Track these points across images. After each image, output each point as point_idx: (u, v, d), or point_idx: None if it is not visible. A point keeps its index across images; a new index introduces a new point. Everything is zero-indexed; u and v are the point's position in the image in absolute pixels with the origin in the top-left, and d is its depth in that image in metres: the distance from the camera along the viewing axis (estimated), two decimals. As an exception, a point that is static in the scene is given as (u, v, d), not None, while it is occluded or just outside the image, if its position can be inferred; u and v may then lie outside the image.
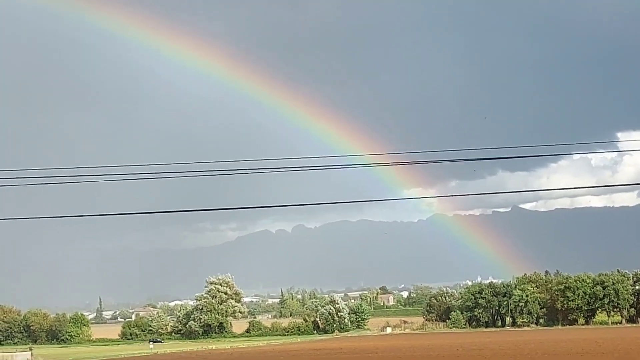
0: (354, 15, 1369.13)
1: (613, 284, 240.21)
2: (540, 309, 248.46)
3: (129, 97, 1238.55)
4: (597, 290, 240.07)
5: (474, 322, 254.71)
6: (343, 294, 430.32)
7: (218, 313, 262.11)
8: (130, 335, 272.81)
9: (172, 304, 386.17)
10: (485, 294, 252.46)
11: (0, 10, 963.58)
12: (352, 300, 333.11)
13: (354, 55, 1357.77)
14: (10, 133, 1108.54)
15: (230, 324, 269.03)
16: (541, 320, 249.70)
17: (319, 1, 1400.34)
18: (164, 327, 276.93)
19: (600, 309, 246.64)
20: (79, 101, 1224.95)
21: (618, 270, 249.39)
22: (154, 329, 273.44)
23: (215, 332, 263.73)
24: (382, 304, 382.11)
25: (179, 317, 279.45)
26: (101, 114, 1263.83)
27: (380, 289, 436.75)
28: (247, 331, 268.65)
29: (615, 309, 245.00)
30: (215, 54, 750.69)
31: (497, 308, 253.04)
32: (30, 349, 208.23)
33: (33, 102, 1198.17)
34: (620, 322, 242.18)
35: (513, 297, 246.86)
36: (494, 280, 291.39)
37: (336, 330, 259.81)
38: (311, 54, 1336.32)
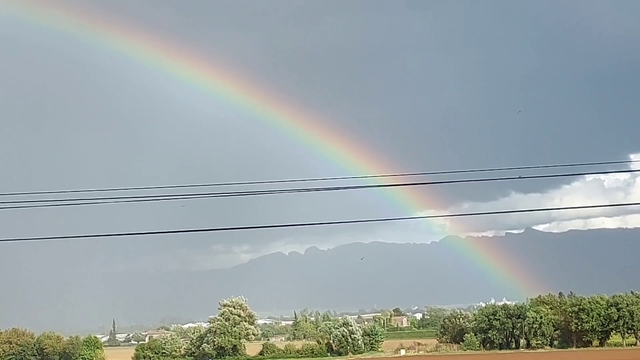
0: (366, 37, 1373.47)
1: (627, 305, 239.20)
2: (555, 330, 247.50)
3: (144, 120, 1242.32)
4: (611, 312, 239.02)
5: (488, 344, 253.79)
6: (356, 316, 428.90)
7: (231, 335, 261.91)
8: (144, 357, 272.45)
9: (185, 326, 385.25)
10: (499, 315, 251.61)
11: (18, 33, 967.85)
12: (366, 322, 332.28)
13: (367, 77, 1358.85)
14: (28, 154, 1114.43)
15: (244, 347, 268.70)
16: (555, 342, 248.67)
17: (333, 23, 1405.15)
18: (178, 350, 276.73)
19: (614, 331, 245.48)
20: (95, 123, 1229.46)
21: (632, 292, 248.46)
22: (167, 352, 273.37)
23: (229, 355, 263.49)
24: (395, 326, 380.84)
25: (193, 339, 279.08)
26: (116, 136, 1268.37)
27: (393, 311, 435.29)
28: (261, 353, 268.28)
29: (629, 331, 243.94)
30: (230, 76, 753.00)
31: (511, 330, 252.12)
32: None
33: (50, 125, 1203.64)
34: (635, 344, 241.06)
35: (527, 318, 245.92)
36: (508, 302, 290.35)
37: (350, 353, 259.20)
38: (325, 75, 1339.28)
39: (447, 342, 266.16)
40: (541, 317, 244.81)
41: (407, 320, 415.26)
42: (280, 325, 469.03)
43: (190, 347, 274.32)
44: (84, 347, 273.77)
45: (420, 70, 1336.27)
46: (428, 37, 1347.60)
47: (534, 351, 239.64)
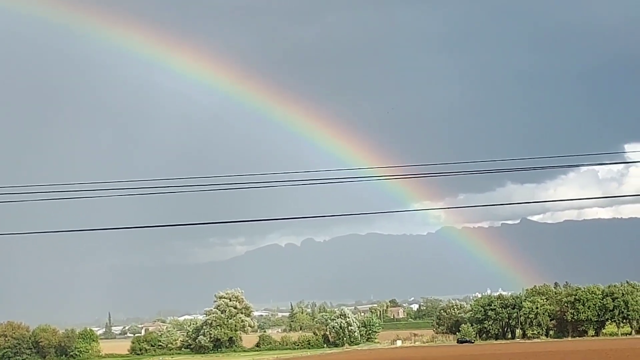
0: (363, 33, 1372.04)
1: (623, 295, 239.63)
2: (550, 320, 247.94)
3: (139, 113, 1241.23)
4: (606, 302, 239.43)
5: (484, 334, 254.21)
6: (353, 307, 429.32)
7: (228, 327, 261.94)
8: (140, 350, 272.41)
9: (181, 318, 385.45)
10: (494, 306, 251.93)
11: (10, 27, 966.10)
12: (362, 314, 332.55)
13: (364, 72, 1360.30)
14: (23, 149, 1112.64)
15: (240, 338, 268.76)
16: (551, 332, 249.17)
17: (330, 19, 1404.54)
18: (174, 342, 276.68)
19: (610, 321, 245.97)
20: (90, 117, 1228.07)
21: (627, 282, 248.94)
22: (163, 344, 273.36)
23: (225, 347, 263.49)
24: (392, 317, 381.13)
25: (189, 331, 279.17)
26: (111, 129, 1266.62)
27: (390, 302, 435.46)
28: (257, 345, 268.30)
29: (624, 320, 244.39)
30: (228, 70, 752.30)
31: (507, 320, 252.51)
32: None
33: (44, 119, 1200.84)
34: (630, 333, 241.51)
35: (523, 309, 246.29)
36: (504, 293, 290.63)
37: (346, 344, 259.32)
38: (321, 70, 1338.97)
39: (443, 333, 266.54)
40: (537, 308, 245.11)
41: (404, 311, 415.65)
42: (276, 317, 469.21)
43: (187, 339, 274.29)
44: (79, 339, 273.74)
45: (417, 65, 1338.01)
46: (425, 34, 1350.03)
47: (530, 341, 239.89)
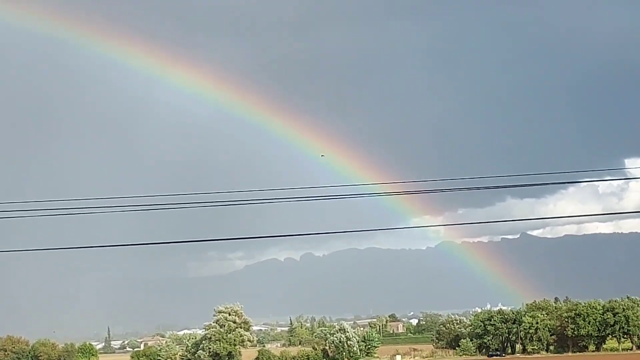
0: (358, 46, 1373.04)
1: (623, 310, 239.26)
2: (551, 335, 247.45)
3: (136, 126, 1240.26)
4: (607, 317, 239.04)
5: (484, 349, 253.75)
6: (352, 322, 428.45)
7: (227, 342, 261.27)
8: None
9: (180, 333, 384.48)
10: (494, 321, 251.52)
11: (8, 38, 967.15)
12: (362, 328, 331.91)
13: (361, 85, 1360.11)
14: (21, 162, 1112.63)
15: (240, 353, 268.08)
16: (551, 347, 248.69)
17: (326, 32, 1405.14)
18: (173, 357, 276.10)
19: (610, 336, 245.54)
20: (87, 130, 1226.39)
21: (628, 297, 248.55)
22: (162, 358, 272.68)
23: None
24: (391, 332, 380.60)
25: (188, 346, 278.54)
26: (109, 142, 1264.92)
27: (389, 316, 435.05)
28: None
29: (625, 336, 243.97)
30: (224, 83, 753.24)
31: (507, 335, 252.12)
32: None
33: (42, 133, 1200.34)
34: (631, 349, 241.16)
35: (523, 324, 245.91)
36: (504, 308, 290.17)
37: (346, 359, 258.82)
38: (318, 83, 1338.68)
39: (443, 348, 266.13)
40: (537, 323, 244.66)
41: (403, 326, 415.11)
42: (275, 331, 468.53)
43: (186, 353, 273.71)
44: (79, 354, 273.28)
45: (413, 79, 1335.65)
46: (421, 47, 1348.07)
47: (530, 356, 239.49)
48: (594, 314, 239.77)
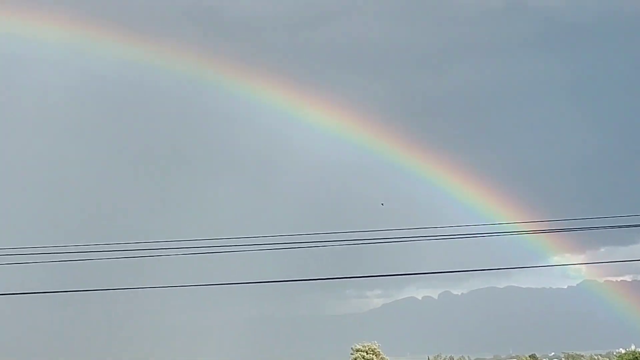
0: (496, 82, 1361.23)
1: None
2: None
3: (274, 166, 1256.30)
4: None
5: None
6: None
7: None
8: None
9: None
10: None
11: (142, 78, 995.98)
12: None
13: (490, 120, 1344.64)
14: (153, 203, 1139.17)
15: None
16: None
17: (463, 68, 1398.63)
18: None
19: None
20: (220, 169, 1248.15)
21: None
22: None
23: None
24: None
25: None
26: (242, 181, 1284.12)
27: (529, 356, 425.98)
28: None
29: None
30: (354, 120, 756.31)
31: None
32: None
33: (181, 173, 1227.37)
34: None
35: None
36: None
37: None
38: (447, 119, 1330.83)
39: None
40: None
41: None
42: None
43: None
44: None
45: (551, 116, 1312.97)
46: (560, 83, 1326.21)
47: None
48: None
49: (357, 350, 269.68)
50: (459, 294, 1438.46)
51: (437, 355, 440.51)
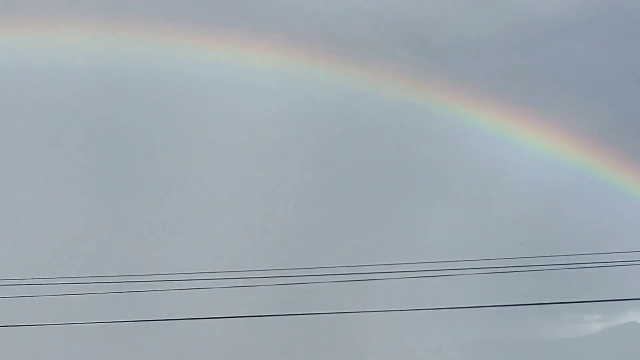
0: None
1: None
2: None
3: (489, 189, 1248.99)
4: None
5: None
6: None
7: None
8: None
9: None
10: None
11: (361, 109, 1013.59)
12: None
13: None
14: (384, 228, 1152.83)
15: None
16: None
17: None
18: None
19: None
20: (436, 194, 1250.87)
21: None
22: None
23: None
24: None
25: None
26: (457, 206, 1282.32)
27: None
28: None
29: None
30: (570, 142, 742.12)
31: None
32: None
33: (392, 198, 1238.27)
34: None
35: None
36: None
37: None
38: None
39: None
40: None
41: None
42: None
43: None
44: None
45: None
46: None
47: None
48: None
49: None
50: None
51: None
